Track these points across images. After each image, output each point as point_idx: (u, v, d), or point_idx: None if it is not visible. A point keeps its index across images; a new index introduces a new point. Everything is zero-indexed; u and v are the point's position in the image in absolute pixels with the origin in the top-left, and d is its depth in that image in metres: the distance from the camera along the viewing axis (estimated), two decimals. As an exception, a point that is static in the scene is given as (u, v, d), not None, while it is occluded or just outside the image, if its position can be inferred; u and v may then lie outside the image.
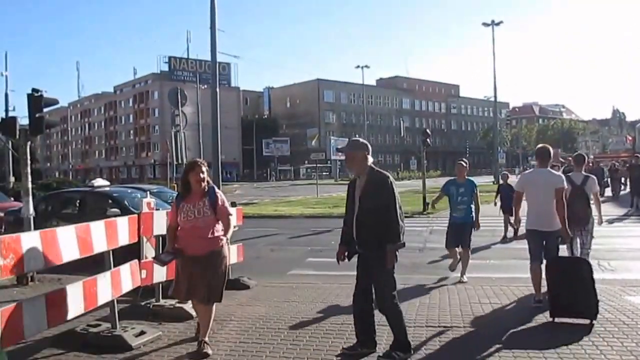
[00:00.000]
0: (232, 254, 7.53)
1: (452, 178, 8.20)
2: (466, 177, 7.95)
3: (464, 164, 8.10)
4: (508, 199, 11.07)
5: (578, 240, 6.89)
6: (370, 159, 4.56)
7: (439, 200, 8.45)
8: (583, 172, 7.18)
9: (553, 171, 6.44)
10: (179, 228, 4.76)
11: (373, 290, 4.52)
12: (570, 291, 5.29)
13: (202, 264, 4.64)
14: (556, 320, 5.33)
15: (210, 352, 4.65)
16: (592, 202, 6.91)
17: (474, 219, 7.74)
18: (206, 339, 4.75)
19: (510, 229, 11.78)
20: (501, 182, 13.49)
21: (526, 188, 6.21)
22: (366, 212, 4.43)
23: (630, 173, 19.06)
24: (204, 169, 4.77)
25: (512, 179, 13.26)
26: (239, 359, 4.59)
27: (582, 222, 6.75)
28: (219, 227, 4.77)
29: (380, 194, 4.37)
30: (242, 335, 5.23)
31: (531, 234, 6.05)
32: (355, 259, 4.64)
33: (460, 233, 7.75)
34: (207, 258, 4.65)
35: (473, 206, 7.77)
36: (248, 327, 5.52)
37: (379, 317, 4.55)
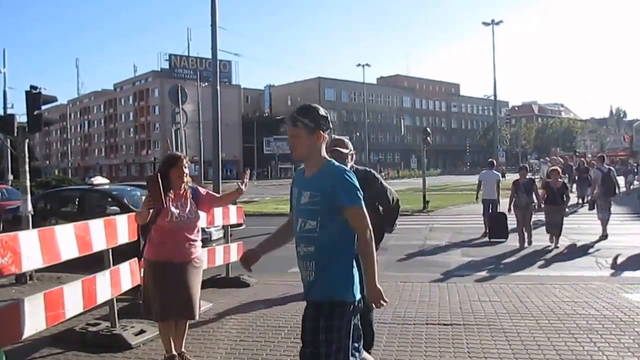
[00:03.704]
0: (233, 252, 7.53)
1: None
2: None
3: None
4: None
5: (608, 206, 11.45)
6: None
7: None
8: (606, 165, 12.03)
9: (495, 172, 12.66)
10: (154, 229, 4.12)
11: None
12: (496, 227, 11.40)
13: (189, 271, 4.14)
14: (491, 240, 11.38)
15: None
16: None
17: None
18: (183, 349, 4.36)
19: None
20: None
21: (482, 179, 12.44)
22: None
23: None
24: (185, 162, 4.23)
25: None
26: (239, 357, 4.57)
27: (610, 195, 11.49)
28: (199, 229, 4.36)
29: (370, 188, 4.23)
30: (243, 334, 5.22)
31: (484, 201, 12.23)
32: None
33: None
34: (192, 265, 4.20)
35: None
36: (248, 325, 5.50)
37: (378, 315, 4.54)
